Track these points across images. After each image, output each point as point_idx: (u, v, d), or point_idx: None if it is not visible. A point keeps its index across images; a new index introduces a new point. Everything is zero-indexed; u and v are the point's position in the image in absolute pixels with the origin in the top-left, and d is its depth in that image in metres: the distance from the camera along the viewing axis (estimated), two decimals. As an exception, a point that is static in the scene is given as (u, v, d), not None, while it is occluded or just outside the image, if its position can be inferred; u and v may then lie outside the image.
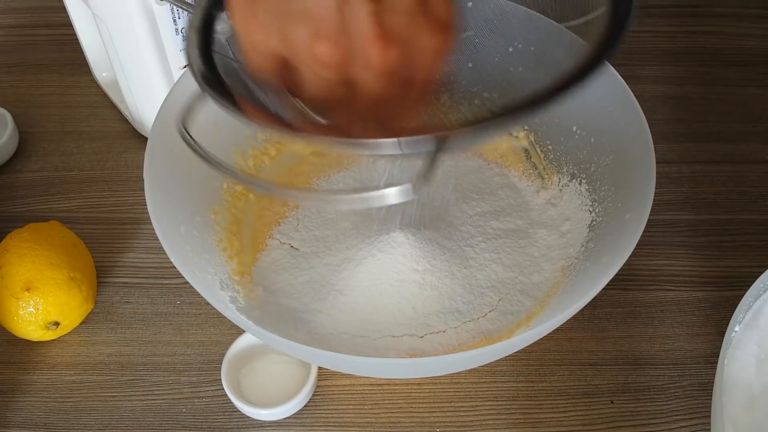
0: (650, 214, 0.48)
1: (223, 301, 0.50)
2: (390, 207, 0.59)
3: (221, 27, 0.38)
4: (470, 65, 0.63)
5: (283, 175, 0.63)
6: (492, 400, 0.56)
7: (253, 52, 0.32)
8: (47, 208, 0.67)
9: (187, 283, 0.46)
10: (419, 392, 0.56)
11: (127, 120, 0.72)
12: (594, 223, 0.55)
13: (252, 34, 0.31)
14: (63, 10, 0.68)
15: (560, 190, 0.60)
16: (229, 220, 0.58)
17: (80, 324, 0.59)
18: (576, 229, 0.57)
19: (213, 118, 0.58)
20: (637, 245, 0.47)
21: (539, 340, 0.49)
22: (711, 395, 0.47)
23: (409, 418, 0.55)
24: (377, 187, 0.33)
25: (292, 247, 0.58)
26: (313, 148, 0.64)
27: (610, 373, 0.57)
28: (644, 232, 0.47)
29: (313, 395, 0.55)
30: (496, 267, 0.56)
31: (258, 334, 0.46)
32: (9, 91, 0.76)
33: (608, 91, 0.55)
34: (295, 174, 0.63)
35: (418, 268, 0.54)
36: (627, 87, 0.54)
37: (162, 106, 0.54)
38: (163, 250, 0.47)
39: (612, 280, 0.46)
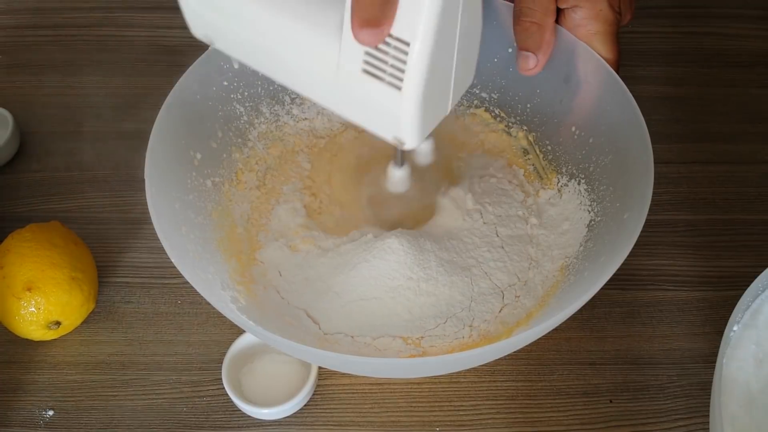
0: (649, 214, 0.48)
1: (223, 300, 0.50)
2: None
3: None
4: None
5: (283, 174, 0.63)
6: (492, 400, 0.56)
7: None
8: (48, 208, 0.67)
9: (188, 282, 0.46)
10: (419, 392, 0.56)
11: (127, 119, 0.72)
12: (593, 222, 0.55)
13: None
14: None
15: (559, 190, 0.60)
16: (230, 220, 0.58)
17: (81, 323, 0.59)
18: (575, 228, 0.57)
19: (212, 118, 0.59)
20: (635, 245, 0.47)
21: (538, 339, 0.49)
22: (710, 394, 0.47)
23: (409, 417, 0.55)
24: None
25: (291, 246, 0.58)
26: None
27: (609, 373, 0.57)
28: (643, 232, 0.47)
29: (313, 395, 0.56)
30: (502, 275, 0.56)
31: (258, 334, 0.47)
32: (10, 92, 0.75)
33: (607, 91, 0.55)
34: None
35: (412, 276, 0.54)
36: (626, 87, 0.54)
37: (162, 107, 0.54)
38: (164, 250, 0.47)
39: (611, 280, 0.46)
